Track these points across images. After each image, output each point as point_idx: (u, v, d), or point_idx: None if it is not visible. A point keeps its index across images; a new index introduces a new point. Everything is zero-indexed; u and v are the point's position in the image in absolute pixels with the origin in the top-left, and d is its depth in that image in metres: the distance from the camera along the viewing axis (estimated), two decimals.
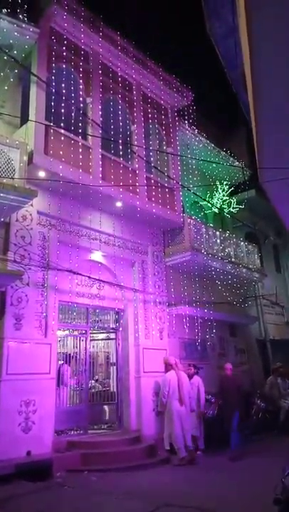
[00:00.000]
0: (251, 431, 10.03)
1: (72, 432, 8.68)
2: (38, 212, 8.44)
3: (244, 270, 12.96)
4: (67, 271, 8.49)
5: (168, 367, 8.97)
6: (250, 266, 13.42)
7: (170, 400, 8.51)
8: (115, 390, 10.06)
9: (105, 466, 7.45)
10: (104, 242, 9.68)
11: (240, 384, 9.58)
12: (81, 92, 9.45)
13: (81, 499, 6.04)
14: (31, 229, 8.28)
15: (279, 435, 10.03)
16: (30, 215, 8.30)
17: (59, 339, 8.99)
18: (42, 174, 8.16)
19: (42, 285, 8.28)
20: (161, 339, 10.51)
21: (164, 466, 8.02)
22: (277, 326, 16.16)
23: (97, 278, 9.29)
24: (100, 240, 9.59)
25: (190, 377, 9.15)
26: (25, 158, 7.64)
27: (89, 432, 8.90)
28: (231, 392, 8.95)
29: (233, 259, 12.62)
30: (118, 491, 6.32)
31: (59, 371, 9.02)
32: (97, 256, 9.69)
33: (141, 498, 5.97)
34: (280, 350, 14.90)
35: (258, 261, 14.32)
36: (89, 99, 9.55)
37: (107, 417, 9.91)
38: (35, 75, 8.42)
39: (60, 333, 9.02)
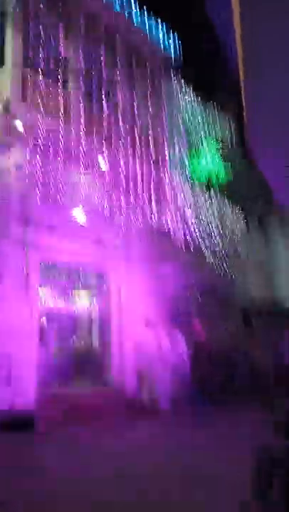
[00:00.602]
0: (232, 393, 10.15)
1: (56, 386, 8.77)
2: (16, 166, 8.07)
3: (228, 232, 12.89)
4: (47, 227, 8.27)
5: (147, 324, 9.02)
6: (235, 230, 13.35)
7: (148, 359, 8.60)
8: (97, 346, 10.15)
9: (87, 419, 7.59)
10: (87, 199, 9.39)
11: (210, 349, 8.97)
12: (61, 38, 8.87)
13: (62, 452, 6.13)
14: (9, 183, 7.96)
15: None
16: (8, 169, 7.95)
17: (41, 297, 8.91)
18: (19, 124, 7.75)
19: (22, 242, 8.06)
20: (144, 297, 10.48)
21: (146, 420, 8.12)
22: (260, 291, 16.27)
23: (80, 235, 9.08)
24: (82, 196, 9.28)
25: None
26: (1, 106, 7.23)
27: (71, 387, 9.01)
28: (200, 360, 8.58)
29: (217, 221, 12.50)
30: (97, 445, 6.44)
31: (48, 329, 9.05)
32: (78, 213, 9.42)
33: (119, 453, 6.00)
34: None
35: (244, 225, 14.21)
36: (69, 45, 8.98)
37: (89, 373, 10.03)
38: (11, 18, 7.84)
39: (41, 290, 8.93)
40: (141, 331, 8.99)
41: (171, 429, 7.54)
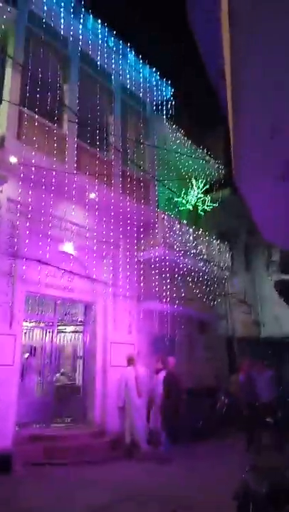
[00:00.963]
0: (214, 426, 10.17)
1: (35, 425, 8.52)
2: (8, 199, 8.16)
3: (215, 268, 13.07)
4: (35, 261, 8.28)
5: (129, 362, 8.97)
6: (221, 264, 13.56)
7: (128, 393, 8.51)
8: (81, 383, 9.95)
9: (68, 459, 7.37)
10: (76, 234, 9.50)
11: (180, 386, 8.59)
12: (58, 79, 9.21)
13: (40, 491, 5.96)
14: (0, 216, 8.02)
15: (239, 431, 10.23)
16: None
17: (25, 331, 8.79)
18: (13, 160, 7.91)
19: (8, 274, 8.03)
20: (130, 333, 10.45)
21: (127, 460, 7.99)
22: (244, 324, 16.42)
23: (67, 269, 9.12)
24: (72, 231, 9.41)
25: (157, 372, 9.14)
26: None
27: (52, 425, 8.76)
28: (171, 393, 8.27)
29: (204, 257, 12.70)
30: (79, 484, 6.27)
31: (30, 364, 8.86)
32: (67, 247, 9.51)
33: (102, 490, 5.95)
34: (246, 348, 15.15)
35: (229, 259, 14.48)
36: (66, 86, 9.34)
37: (71, 411, 9.78)
38: (10, 57, 8.14)
39: (26, 324, 8.82)
40: (124, 369, 8.90)
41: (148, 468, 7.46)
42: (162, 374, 9.26)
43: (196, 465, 7.53)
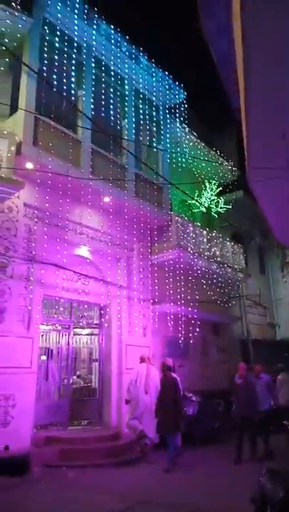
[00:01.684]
0: (230, 428, 10.09)
1: (52, 428, 8.62)
2: (25, 205, 8.31)
3: (229, 270, 13.05)
4: (52, 265, 8.40)
5: (142, 360, 9.00)
6: (236, 266, 13.53)
7: (137, 389, 8.54)
8: (97, 386, 10.03)
9: (84, 462, 7.44)
10: (91, 237, 9.61)
11: (175, 388, 7.91)
12: (73, 85, 9.33)
13: (55, 494, 6.03)
14: (17, 221, 8.16)
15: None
16: (17, 207, 8.18)
17: (42, 333, 8.91)
18: (30, 166, 8.04)
19: (26, 278, 8.16)
20: (145, 336, 10.51)
21: (142, 463, 8.01)
22: (259, 326, 16.34)
23: (83, 273, 9.23)
24: (87, 234, 9.52)
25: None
26: (13, 148, 7.54)
27: (69, 427, 8.86)
28: (164, 397, 7.83)
29: (218, 259, 12.69)
30: (94, 487, 6.32)
31: (47, 367, 8.98)
32: (83, 251, 9.63)
33: (115, 494, 5.98)
34: (261, 351, 15.06)
35: (243, 261, 14.44)
36: (80, 92, 9.47)
37: (87, 413, 9.86)
38: (26, 65, 8.24)
39: (43, 327, 8.93)
40: (137, 365, 8.92)
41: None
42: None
43: (212, 470, 7.50)
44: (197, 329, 11.68)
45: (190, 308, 11.39)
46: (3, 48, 8.03)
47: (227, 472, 7.28)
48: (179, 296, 11.32)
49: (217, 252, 12.84)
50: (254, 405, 8.36)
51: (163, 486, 6.61)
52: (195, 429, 9.16)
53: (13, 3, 8.22)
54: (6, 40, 8.32)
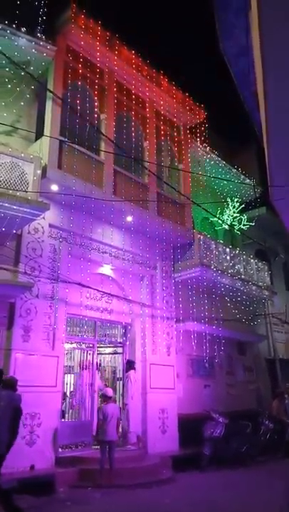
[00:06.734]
0: (258, 451, 9.81)
1: (77, 447, 8.57)
2: (50, 225, 8.53)
3: (254, 288, 12.87)
4: (76, 284, 8.52)
5: (106, 399, 8.19)
6: (260, 283, 13.34)
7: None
8: (121, 405, 9.95)
9: (108, 482, 7.34)
10: (114, 256, 9.72)
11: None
12: (95, 109, 9.62)
13: None
14: (42, 241, 8.37)
15: (283, 457, 9.80)
16: (42, 227, 8.40)
17: (66, 352, 8.97)
18: (55, 188, 8.28)
19: (51, 297, 8.31)
20: (169, 355, 10.42)
21: (167, 484, 7.84)
22: (286, 344, 15.94)
23: (106, 292, 9.31)
24: (110, 253, 9.64)
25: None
26: (39, 172, 7.77)
27: (93, 447, 8.79)
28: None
29: (242, 276, 12.55)
30: (119, 509, 6.22)
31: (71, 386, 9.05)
32: (106, 270, 9.73)
33: None
34: None
35: (268, 279, 14.22)
36: (103, 116, 9.73)
37: None
38: (51, 92, 8.59)
39: (67, 345, 9.00)
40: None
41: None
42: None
43: (239, 492, 7.28)
44: (222, 348, 11.52)
45: (214, 327, 11.27)
46: (29, 75, 8.37)
47: (260, 495, 7.02)
48: (202, 315, 11.23)
49: (241, 270, 12.72)
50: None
51: (189, 506, 6.43)
52: (221, 451, 8.93)
53: (37, 33, 8.60)
54: (32, 68, 8.69)
